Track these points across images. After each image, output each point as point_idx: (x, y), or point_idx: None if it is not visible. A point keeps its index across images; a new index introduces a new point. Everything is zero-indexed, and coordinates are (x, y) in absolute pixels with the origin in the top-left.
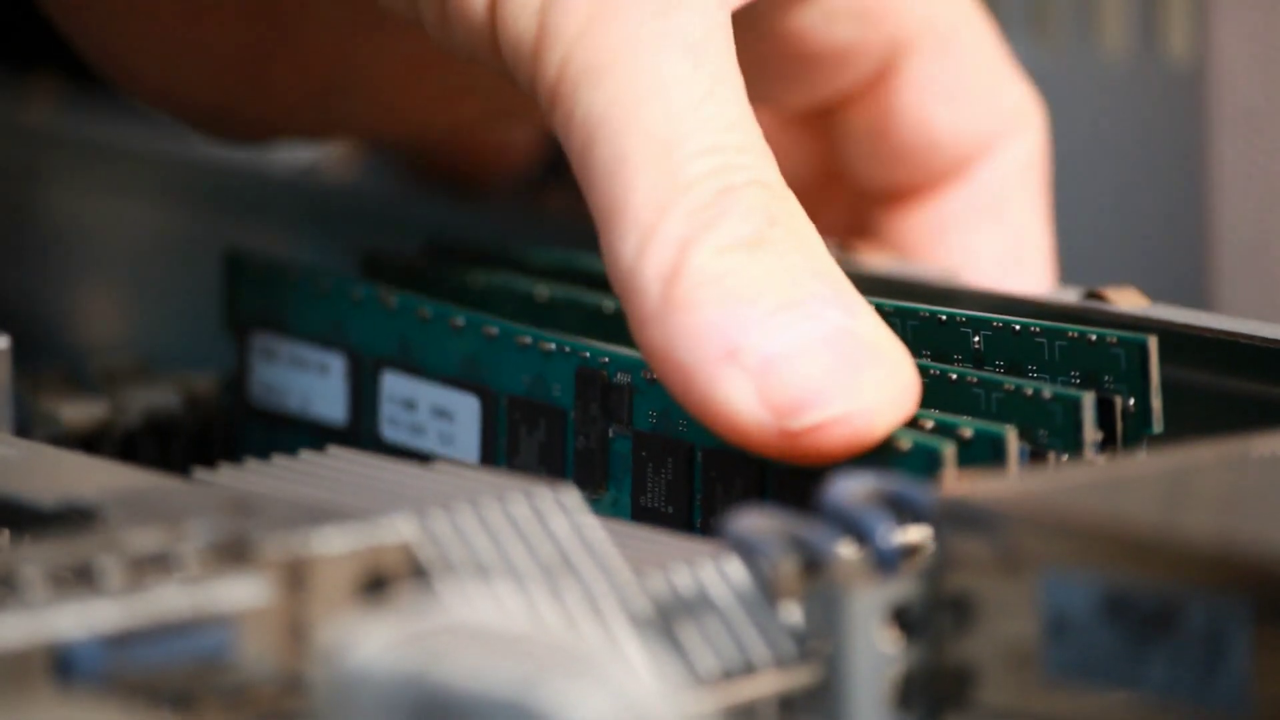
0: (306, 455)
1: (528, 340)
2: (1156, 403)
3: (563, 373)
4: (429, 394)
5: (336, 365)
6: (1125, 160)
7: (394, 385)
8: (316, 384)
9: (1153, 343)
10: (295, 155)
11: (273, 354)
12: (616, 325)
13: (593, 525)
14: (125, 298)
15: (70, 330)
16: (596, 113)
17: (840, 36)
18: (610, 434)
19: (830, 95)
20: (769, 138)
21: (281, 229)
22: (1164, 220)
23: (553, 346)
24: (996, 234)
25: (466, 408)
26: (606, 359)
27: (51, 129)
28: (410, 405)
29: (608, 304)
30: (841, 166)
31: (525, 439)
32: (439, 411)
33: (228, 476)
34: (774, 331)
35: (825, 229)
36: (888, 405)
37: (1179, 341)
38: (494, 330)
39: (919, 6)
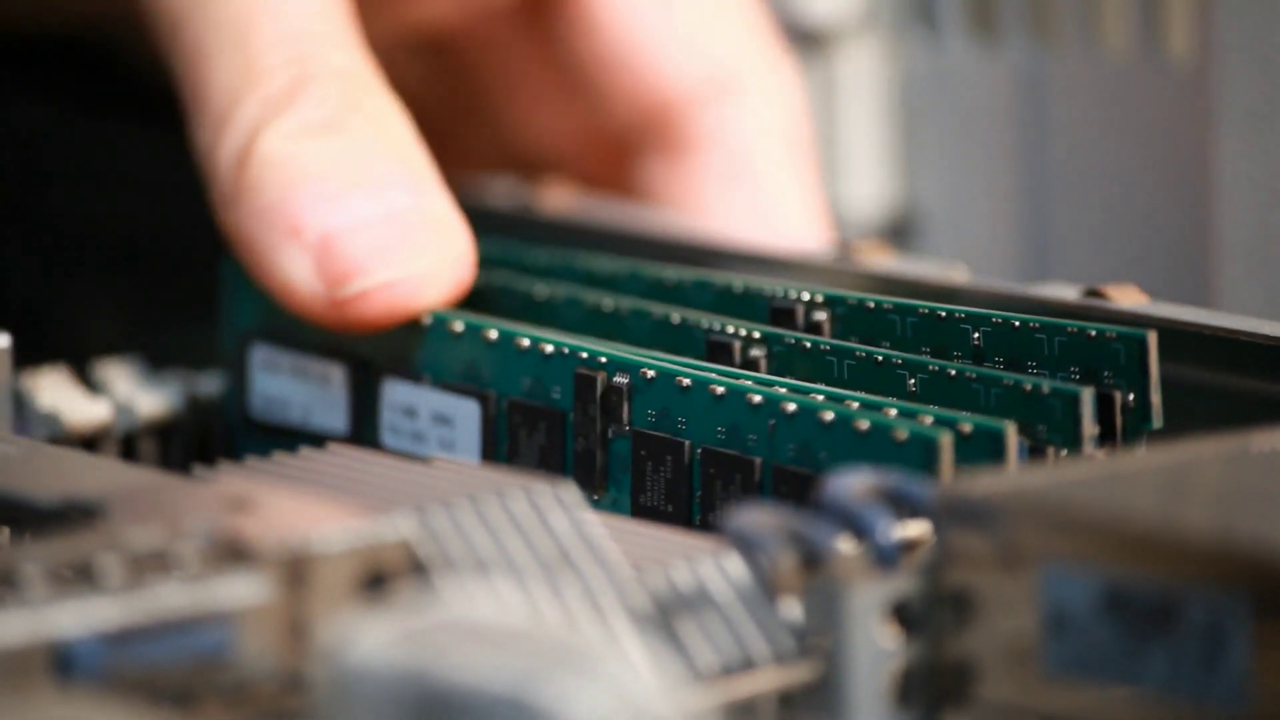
0: (306, 452)
1: (526, 343)
2: (1156, 398)
3: (561, 375)
4: (429, 400)
5: (337, 375)
6: (1126, 159)
7: (394, 393)
8: (317, 394)
9: (1152, 337)
10: None
11: (273, 366)
12: (616, 323)
13: (592, 521)
14: (126, 297)
15: (71, 330)
16: (177, 6)
17: None
18: (609, 434)
19: None
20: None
21: None
22: (1164, 219)
23: (551, 349)
24: (742, 197)
25: (466, 413)
26: (604, 359)
27: (51, 129)
28: (411, 413)
29: (607, 302)
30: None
31: (525, 442)
32: (439, 418)
33: (228, 474)
34: (334, 210)
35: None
36: (434, 275)
37: (1179, 338)
38: (493, 334)
39: None
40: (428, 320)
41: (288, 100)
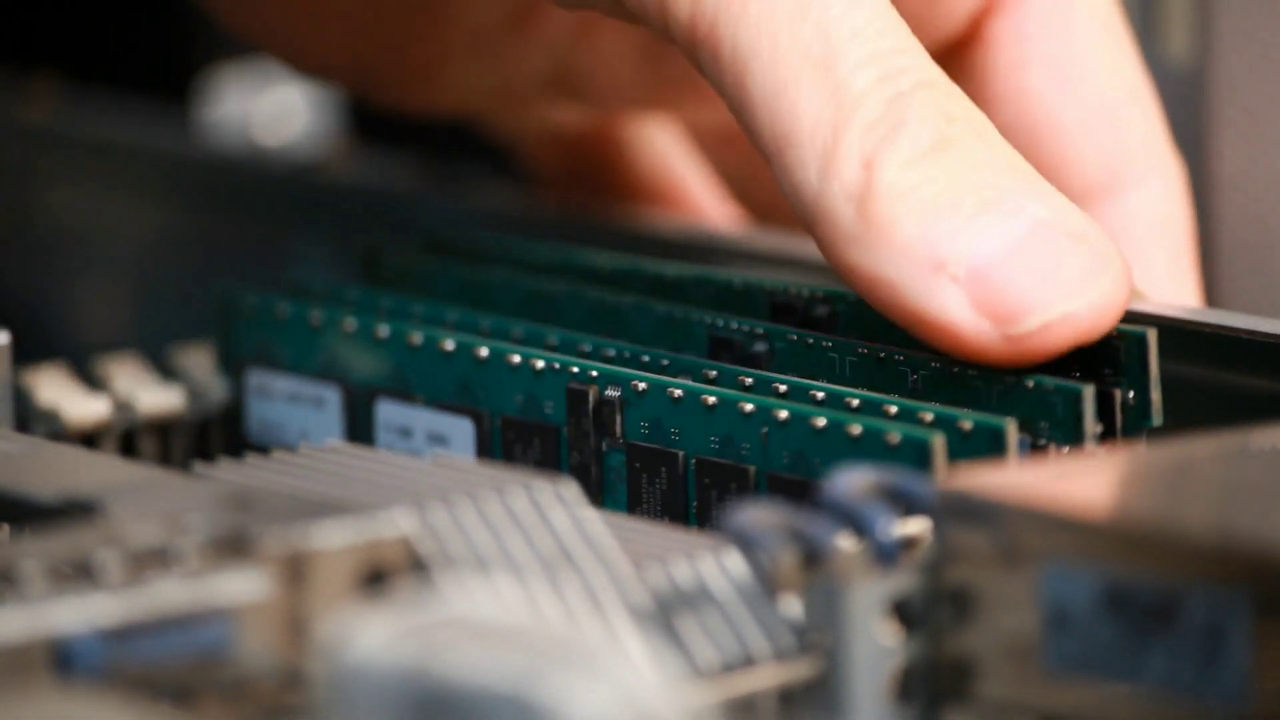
0: (306, 449)
1: (517, 360)
2: (1156, 395)
3: (554, 390)
4: (423, 420)
5: (332, 398)
6: None
7: (389, 414)
8: (313, 417)
9: (1152, 335)
10: (295, 154)
11: (268, 391)
12: (617, 320)
13: (592, 518)
14: (125, 294)
15: (71, 326)
16: (744, 44)
17: None
18: (603, 448)
19: (934, 33)
20: None
21: (281, 228)
22: None
23: (542, 365)
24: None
25: (461, 431)
26: (596, 373)
27: (51, 129)
28: (406, 433)
29: (608, 299)
30: None
31: (520, 458)
32: (434, 437)
33: (227, 471)
34: (978, 236)
35: None
36: (1107, 298)
37: (1179, 336)
38: (484, 352)
39: None
40: (418, 340)
41: (893, 125)
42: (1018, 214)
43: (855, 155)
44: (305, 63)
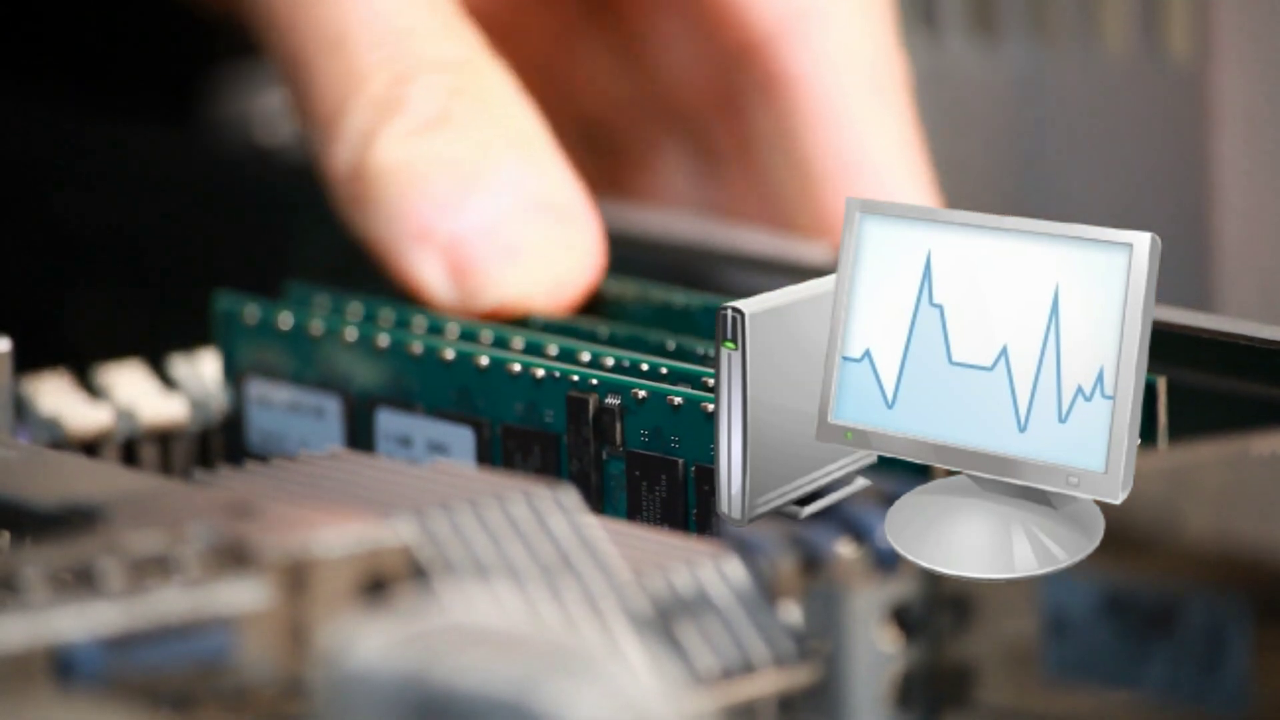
0: (306, 457)
1: (517, 368)
2: (1164, 447)
3: (554, 398)
4: (424, 429)
5: (332, 407)
6: (1125, 159)
7: (389, 423)
8: (313, 427)
9: (1161, 383)
10: (295, 154)
11: (268, 401)
12: (617, 313)
13: (592, 525)
14: (126, 300)
15: (71, 333)
16: (267, 13)
17: None
18: (603, 455)
19: None
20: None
21: (281, 229)
22: (1164, 220)
23: (542, 373)
24: (830, 134)
25: (461, 440)
26: (596, 381)
27: (51, 129)
28: (406, 441)
29: (609, 289)
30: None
31: (520, 466)
32: (434, 445)
33: (228, 479)
34: (459, 210)
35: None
36: (566, 280)
37: (1178, 342)
38: (484, 361)
39: None
40: (419, 349)
41: (394, 101)
42: (500, 190)
43: (356, 129)
44: None
